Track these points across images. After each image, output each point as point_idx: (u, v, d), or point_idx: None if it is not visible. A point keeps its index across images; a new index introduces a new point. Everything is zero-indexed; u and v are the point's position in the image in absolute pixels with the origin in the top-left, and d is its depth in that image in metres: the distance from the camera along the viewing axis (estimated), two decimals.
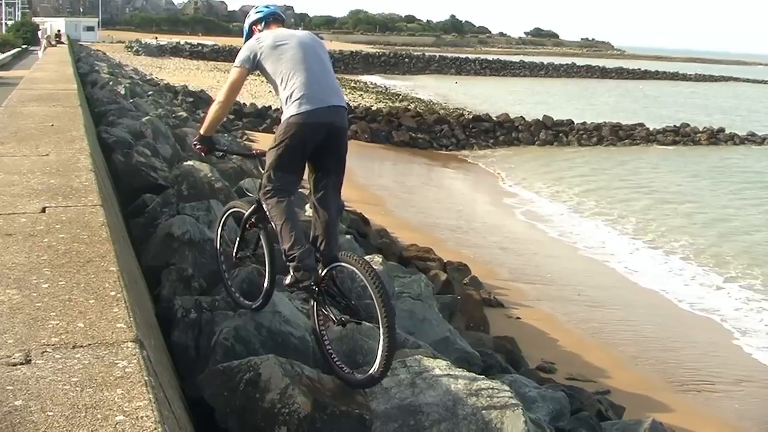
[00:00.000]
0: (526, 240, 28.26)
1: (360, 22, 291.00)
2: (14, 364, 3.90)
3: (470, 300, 17.30)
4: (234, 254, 8.02)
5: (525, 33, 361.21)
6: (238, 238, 7.97)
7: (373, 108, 60.90)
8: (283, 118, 6.93)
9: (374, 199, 31.01)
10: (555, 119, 62.15)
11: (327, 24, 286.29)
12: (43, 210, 6.99)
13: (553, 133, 59.79)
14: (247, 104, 53.73)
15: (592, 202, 37.32)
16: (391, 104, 71.02)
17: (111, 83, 33.00)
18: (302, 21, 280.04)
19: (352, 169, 37.72)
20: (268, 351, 7.02)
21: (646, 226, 32.33)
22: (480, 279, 20.54)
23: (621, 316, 20.33)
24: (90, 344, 4.17)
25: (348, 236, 16.12)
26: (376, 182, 36.73)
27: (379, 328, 6.32)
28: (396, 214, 29.26)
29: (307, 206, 7.23)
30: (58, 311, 4.64)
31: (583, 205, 36.29)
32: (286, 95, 6.92)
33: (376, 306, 6.26)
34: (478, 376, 7.37)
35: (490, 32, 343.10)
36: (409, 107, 66.73)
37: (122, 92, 30.49)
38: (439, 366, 7.22)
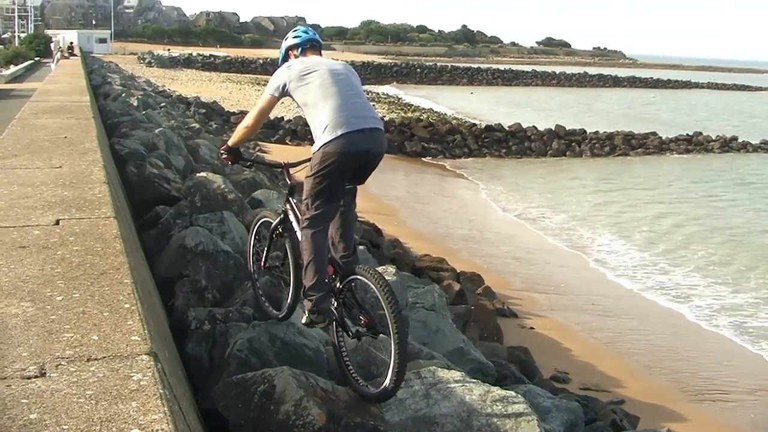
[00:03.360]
0: (539, 250, 28.22)
1: (372, 33, 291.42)
2: (29, 378, 3.89)
3: (484, 310, 17.27)
4: (263, 263, 8.11)
5: (537, 42, 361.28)
6: (266, 248, 8.05)
7: (386, 118, 60.99)
8: (317, 146, 6.82)
9: (387, 210, 31.01)
10: (567, 129, 62.04)
11: (339, 35, 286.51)
12: (57, 222, 6.99)
13: (566, 142, 59.65)
14: None
15: (603, 211, 37.25)
16: (403, 114, 71.11)
17: (123, 95, 33.06)
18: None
19: None
20: (282, 363, 7.03)
21: (659, 235, 32.25)
22: (493, 289, 20.53)
23: (634, 326, 20.29)
24: (105, 357, 4.16)
25: (361, 247, 16.06)
26: (389, 193, 36.71)
27: (390, 340, 6.33)
28: (408, 225, 29.27)
29: None
30: (72, 324, 4.63)
31: (595, 215, 36.21)
32: (317, 123, 6.87)
33: (388, 318, 6.28)
34: (492, 386, 7.35)
35: (502, 42, 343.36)
36: (422, 117, 66.79)
37: (135, 104, 30.51)
38: (453, 377, 7.21)
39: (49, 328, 4.54)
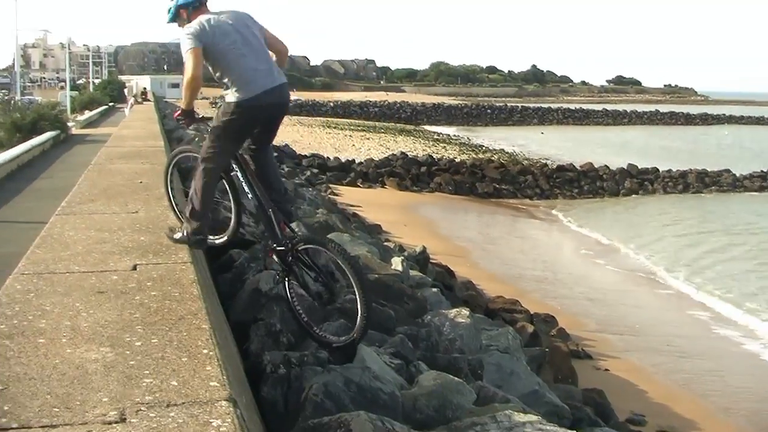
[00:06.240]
0: (613, 290, 27.96)
1: (441, 74, 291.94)
2: (110, 423, 3.93)
3: (558, 352, 17.15)
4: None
5: (607, 81, 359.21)
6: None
7: (457, 160, 61.03)
8: (233, 98, 7.66)
9: (459, 251, 30.93)
10: (640, 167, 61.68)
11: (408, 77, 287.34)
12: (134, 267, 7.07)
13: (638, 181, 59.28)
14: (331, 158, 54.05)
15: (678, 251, 36.81)
16: (474, 156, 71.08)
17: (197, 139, 33.34)
18: (384, 74, 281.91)
19: (436, 221, 37.72)
20: (357, 407, 7.01)
21: (734, 275, 31.78)
22: (567, 330, 20.37)
23: (710, 367, 20.01)
24: (184, 402, 4.20)
25: (434, 289, 16.08)
26: (461, 234, 36.66)
27: (356, 296, 7.14)
28: (481, 266, 29.14)
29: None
30: (151, 369, 4.67)
31: (670, 255, 35.77)
32: (229, 80, 7.70)
33: (350, 277, 7.11)
34: (568, 430, 7.29)
35: (572, 81, 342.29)
36: (493, 158, 66.72)
37: None
38: (530, 420, 7.15)
39: (129, 374, 4.59)
